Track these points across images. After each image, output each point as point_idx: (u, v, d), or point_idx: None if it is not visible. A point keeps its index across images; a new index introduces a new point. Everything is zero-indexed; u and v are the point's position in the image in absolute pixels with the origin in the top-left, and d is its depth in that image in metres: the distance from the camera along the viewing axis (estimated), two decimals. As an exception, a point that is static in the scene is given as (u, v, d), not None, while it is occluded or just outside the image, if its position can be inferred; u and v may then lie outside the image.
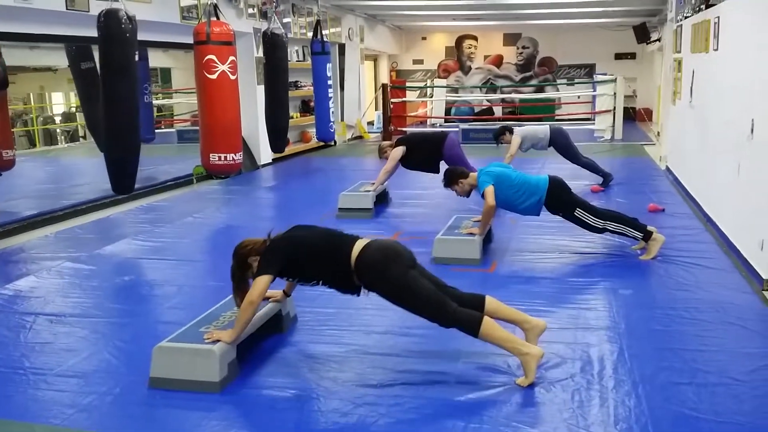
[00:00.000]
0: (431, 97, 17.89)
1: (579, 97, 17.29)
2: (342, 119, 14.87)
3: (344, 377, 3.25)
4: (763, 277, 4.51)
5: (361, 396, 3.05)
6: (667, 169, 9.52)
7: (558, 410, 2.89)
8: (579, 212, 5.17)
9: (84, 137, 16.10)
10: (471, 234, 5.24)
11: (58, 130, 17.21)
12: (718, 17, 6.25)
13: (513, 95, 18.87)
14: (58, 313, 4.25)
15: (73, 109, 17.66)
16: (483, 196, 5.19)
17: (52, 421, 2.93)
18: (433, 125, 17.08)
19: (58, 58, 12.33)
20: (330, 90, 10.87)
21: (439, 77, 19.98)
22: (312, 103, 12.16)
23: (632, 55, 18.67)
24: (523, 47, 19.76)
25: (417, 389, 3.11)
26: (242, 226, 6.98)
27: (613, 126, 13.80)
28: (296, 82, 13.11)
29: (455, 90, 19.31)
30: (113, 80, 6.07)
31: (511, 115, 17.72)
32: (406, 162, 7.18)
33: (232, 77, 7.22)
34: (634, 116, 17.31)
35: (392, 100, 15.17)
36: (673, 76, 9.45)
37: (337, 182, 8.63)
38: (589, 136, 13.71)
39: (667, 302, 4.21)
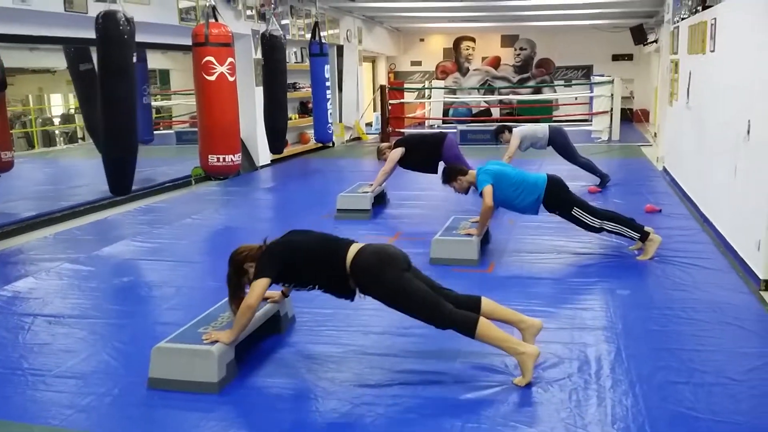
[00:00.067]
0: (429, 98, 17.91)
1: (576, 98, 17.31)
2: (340, 121, 14.88)
3: (342, 377, 3.26)
4: (760, 277, 4.53)
5: (359, 396, 3.06)
6: (664, 170, 9.54)
7: (555, 410, 2.90)
8: (576, 211, 5.18)
9: (83, 138, 16.09)
10: (469, 235, 5.25)
11: (56, 132, 17.20)
12: (715, 19, 6.27)
13: (511, 96, 18.89)
14: (57, 315, 4.26)
15: (72, 111, 17.65)
16: (481, 195, 5.21)
17: (51, 421, 2.93)
18: (431, 126, 17.10)
19: (57, 60, 12.33)
20: (328, 91, 10.88)
21: (437, 78, 20.00)
22: (310, 105, 12.18)
23: (629, 57, 18.70)
24: (521, 49, 19.79)
25: (415, 389, 3.12)
26: (241, 227, 6.99)
27: (611, 127, 13.82)
28: (294, 83, 13.12)
29: (453, 91, 19.33)
30: (111, 82, 6.08)
31: (508, 117, 17.74)
32: (404, 163, 7.19)
33: (231, 79, 7.23)
34: (632, 117, 17.33)
35: (390, 101, 15.18)
36: (670, 77, 9.48)
37: (336, 183, 8.64)
38: (587, 137, 13.72)
39: (664, 302, 4.22)
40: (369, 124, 16.94)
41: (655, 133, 13.35)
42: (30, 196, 8.90)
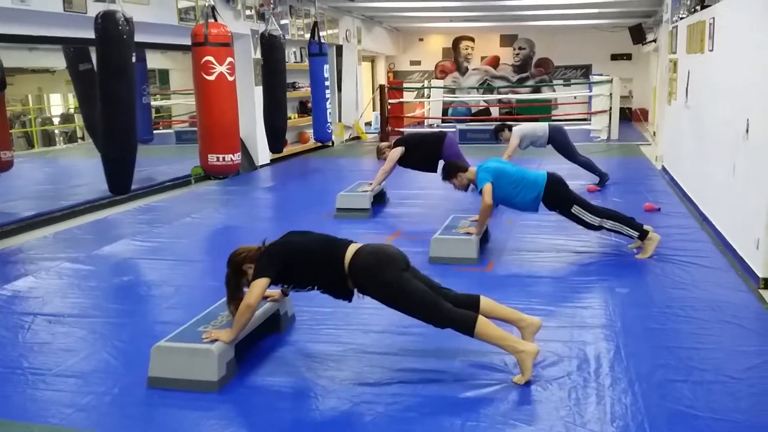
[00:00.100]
0: (428, 97, 17.92)
1: (575, 97, 17.32)
2: (340, 120, 14.89)
3: (342, 376, 3.26)
4: (759, 275, 4.53)
5: (358, 394, 3.06)
6: (663, 168, 9.55)
7: (555, 408, 2.91)
8: (576, 209, 5.18)
9: (82, 138, 16.09)
10: (468, 234, 5.25)
11: (56, 131, 17.19)
12: (714, 18, 6.28)
13: (510, 96, 18.90)
14: (57, 314, 4.26)
15: (72, 111, 17.64)
16: (480, 193, 5.21)
17: (51, 420, 2.93)
18: (430, 126, 17.10)
19: (56, 60, 12.33)
20: (327, 91, 10.89)
21: (437, 78, 20.01)
22: (310, 104, 12.18)
23: (628, 56, 18.71)
24: (520, 48, 19.80)
25: (414, 387, 3.13)
26: (240, 226, 6.99)
27: (609, 126, 13.83)
28: (294, 83, 13.13)
29: (452, 91, 19.33)
30: (110, 81, 6.08)
31: (508, 116, 17.74)
32: (404, 162, 7.20)
33: (230, 78, 7.23)
34: (630, 116, 17.35)
35: (390, 100, 15.19)
36: (668, 76, 9.48)
37: (335, 182, 8.65)
38: (586, 136, 13.74)
39: (663, 301, 4.23)
40: (368, 124, 16.94)
41: (654, 132, 13.36)
42: (30, 196, 8.90)
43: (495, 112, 19.19)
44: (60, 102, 18.59)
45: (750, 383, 3.11)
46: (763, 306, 4.13)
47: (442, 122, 17.43)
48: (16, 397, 3.16)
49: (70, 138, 16.94)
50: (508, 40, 19.78)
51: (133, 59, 6.22)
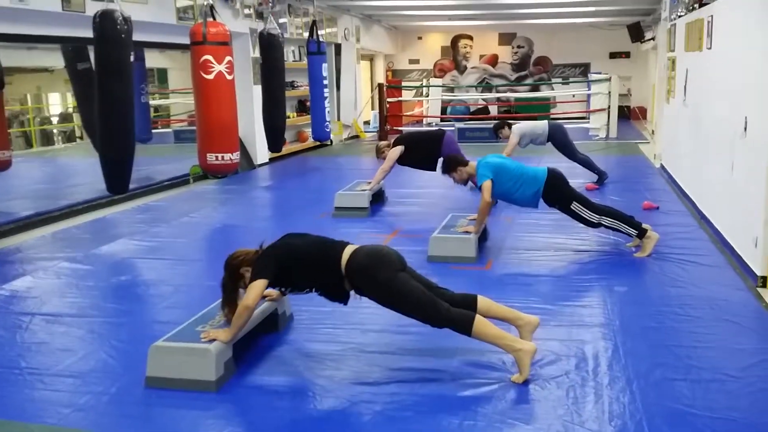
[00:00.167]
0: (427, 96, 17.91)
1: (574, 96, 17.32)
2: (338, 119, 14.88)
3: (340, 375, 3.26)
4: (757, 274, 4.54)
5: (357, 394, 3.06)
6: (662, 167, 9.55)
7: (553, 407, 2.91)
8: (575, 206, 5.18)
9: (81, 137, 16.07)
10: (466, 232, 5.25)
11: (54, 131, 17.18)
12: (712, 16, 6.28)
13: (508, 94, 18.89)
14: (55, 313, 4.26)
15: (70, 110, 17.62)
16: (480, 189, 5.21)
17: (48, 420, 2.93)
18: (429, 124, 17.10)
19: (55, 59, 12.32)
20: (326, 90, 10.88)
21: (435, 77, 20.01)
22: (308, 103, 12.17)
23: (627, 54, 18.72)
24: (518, 47, 19.79)
25: (412, 387, 3.13)
26: (239, 225, 6.99)
27: (608, 124, 13.83)
28: (293, 82, 13.12)
29: (451, 89, 19.33)
30: (109, 81, 6.07)
31: (506, 114, 17.74)
32: (404, 161, 7.19)
33: (229, 77, 7.22)
34: (629, 115, 17.35)
35: (388, 99, 15.18)
36: (667, 74, 9.48)
37: (334, 181, 8.65)
38: (584, 134, 13.74)
39: (662, 299, 4.23)
40: (367, 123, 16.94)
41: (653, 131, 13.36)
42: (28, 195, 8.89)
43: (494, 110, 19.19)
44: (59, 101, 18.57)
45: (748, 382, 3.11)
46: (761, 304, 4.13)
47: (441, 121, 17.43)
48: (14, 397, 3.16)
49: (69, 137, 16.92)
50: (506, 38, 19.77)
51: (132, 58, 6.21)
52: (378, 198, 7.40)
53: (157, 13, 8.16)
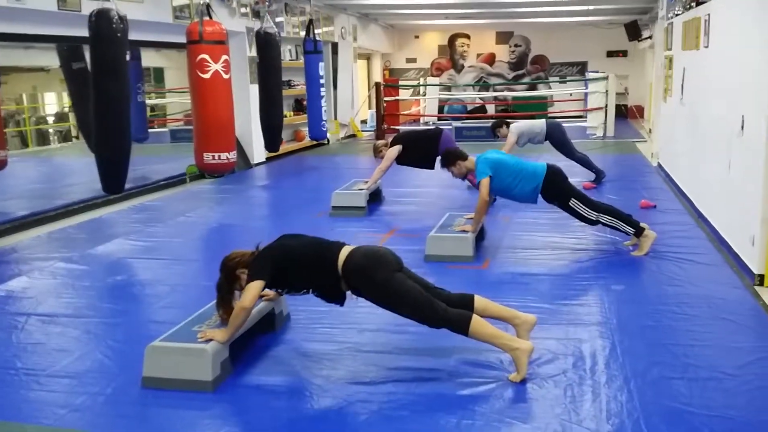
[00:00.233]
0: (424, 95, 17.90)
1: (571, 94, 17.34)
2: (335, 118, 14.87)
3: (337, 375, 3.25)
4: (755, 272, 4.54)
5: (353, 393, 3.05)
6: (659, 165, 9.56)
7: (550, 405, 2.90)
8: (574, 202, 5.17)
9: (77, 137, 16.01)
10: (464, 231, 5.25)
11: (50, 131, 17.13)
12: (709, 15, 6.28)
13: (506, 93, 18.90)
14: (51, 314, 4.24)
15: (66, 110, 17.58)
16: (478, 185, 5.21)
17: (44, 421, 2.92)
18: (426, 123, 17.10)
19: (51, 59, 12.28)
20: (322, 89, 10.86)
21: (432, 75, 20.00)
22: (305, 102, 12.15)
23: (624, 53, 18.74)
24: (516, 45, 19.80)
25: (409, 386, 3.12)
26: (235, 225, 6.98)
27: (605, 123, 13.84)
28: (289, 81, 13.10)
29: (448, 88, 19.33)
30: (104, 80, 6.05)
31: (503, 113, 17.74)
32: (402, 160, 7.18)
33: (225, 76, 7.21)
34: (626, 113, 17.37)
35: (385, 98, 15.16)
36: (664, 73, 9.49)
37: (331, 181, 8.63)
38: (582, 133, 13.74)
39: (659, 298, 4.23)
40: (364, 122, 16.92)
41: (650, 129, 13.37)
42: (24, 195, 8.87)
43: (491, 109, 19.19)
44: (55, 101, 18.53)
45: (745, 380, 3.11)
46: (758, 302, 4.13)
47: (438, 120, 17.43)
48: (10, 398, 3.15)
49: (65, 137, 16.87)
50: (503, 37, 19.78)
51: (128, 57, 6.19)
52: (375, 197, 7.39)
53: (153, 12, 8.14)
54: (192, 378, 3.12)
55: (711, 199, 6.07)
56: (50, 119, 17.85)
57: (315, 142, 13.07)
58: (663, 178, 8.66)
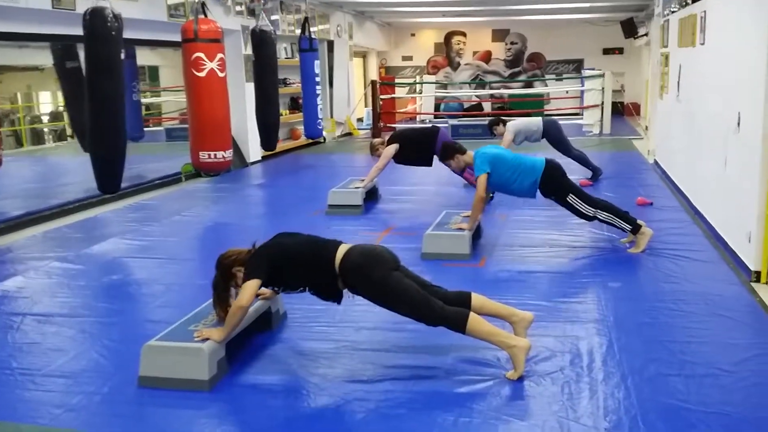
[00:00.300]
0: (420, 93, 17.89)
1: (567, 92, 17.33)
2: (331, 116, 14.85)
3: (334, 373, 3.25)
4: (751, 268, 4.54)
5: (350, 392, 3.05)
6: (655, 162, 9.57)
7: (548, 403, 2.90)
8: (571, 198, 5.17)
9: (71, 136, 15.98)
10: (460, 229, 5.24)
11: (45, 130, 17.08)
12: (705, 11, 6.28)
13: (502, 91, 18.89)
14: (46, 313, 4.22)
15: (61, 109, 17.52)
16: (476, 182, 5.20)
17: (40, 421, 2.91)
18: (422, 121, 17.09)
19: (45, 58, 12.24)
20: (318, 87, 10.85)
21: (428, 73, 19.98)
22: (301, 101, 12.14)
23: (620, 50, 18.75)
24: (512, 43, 19.80)
25: (406, 384, 3.11)
26: (231, 224, 6.96)
27: (602, 120, 13.86)
28: (285, 79, 13.07)
29: (444, 86, 19.32)
30: (99, 79, 6.03)
31: (500, 111, 17.75)
32: (398, 158, 7.17)
33: (221, 75, 7.19)
34: (622, 111, 17.38)
35: (381, 96, 15.16)
36: (660, 70, 9.50)
37: (327, 179, 8.62)
38: (578, 130, 13.75)
39: (656, 295, 4.23)
40: (360, 120, 16.91)
41: (646, 126, 13.38)
42: (19, 195, 8.83)
43: (487, 107, 19.19)
44: (49, 100, 18.47)
45: (741, 376, 3.11)
46: (754, 299, 4.14)
47: (435, 117, 17.42)
48: (5, 397, 3.13)
49: (60, 136, 16.83)
50: (500, 34, 19.77)
51: (122, 56, 6.17)
52: (372, 195, 7.38)
53: (148, 11, 8.11)
54: (188, 377, 3.11)
55: (707, 195, 6.07)
56: (45, 118, 17.80)
57: (311, 141, 13.05)
58: (659, 175, 8.66)
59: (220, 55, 7.14)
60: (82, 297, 4.62)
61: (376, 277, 3.16)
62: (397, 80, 18.42)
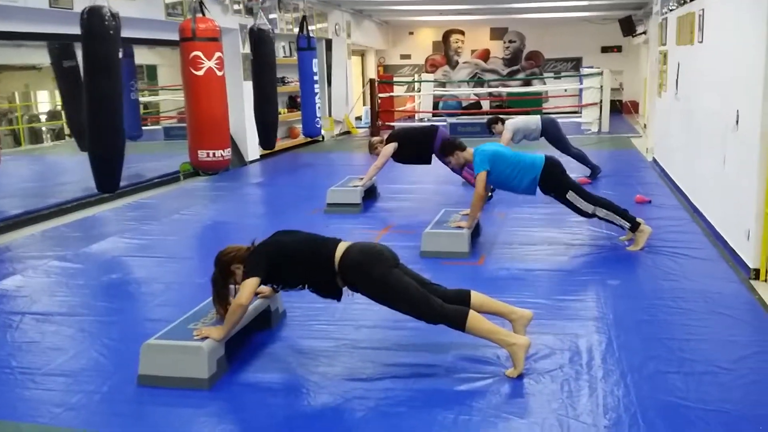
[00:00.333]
0: (419, 91, 17.88)
1: (566, 90, 17.34)
2: (330, 114, 14.84)
3: (334, 372, 3.25)
4: (750, 266, 4.55)
5: (350, 390, 3.05)
6: (654, 160, 9.57)
7: (547, 401, 2.90)
8: (571, 195, 5.17)
9: (70, 135, 15.96)
10: (459, 227, 5.24)
11: (43, 129, 17.06)
12: (703, 9, 6.28)
13: (500, 89, 18.89)
14: (45, 312, 4.22)
15: (59, 108, 17.50)
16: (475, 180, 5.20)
17: (40, 420, 2.91)
18: (421, 120, 17.09)
19: (43, 57, 12.21)
20: (316, 85, 10.85)
21: (427, 72, 19.97)
22: (299, 99, 12.14)
23: (618, 48, 18.75)
24: (510, 41, 19.79)
25: (406, 382, 3.11)
26: (230, 222, 6.96)
27: (600, 119, 13.86)
28: (283, 78, 13.06)
29: (443, 84, 19.32)
30: (97, 78, 6.02)
31: (498, 109, 17.75)
32: (398, 157, 7.17)
33: (219, 73, 7.19)
34: (621, 109, 17.38)
35: (380, 95, 15.15)
36: (658, 68, 9.50)
37: (326, 178, 8.61)
38: (577, 128, 13.75)
39: (655, 292, 4.24)
40: (359, 118, 16.91)
41: (645, 124, 13.39)
42: (17, 194, 8.82)
43: (486, 105, 19.19)
44: (47, 99, 18.45)
45: (740, 374, 3.12)
46: (753, 296, 4.14)
47: (433, 116, 17.42)
48: (5, 397, 3.13)
49: (58, 135, 16.81)
50: (498, 33, 19.76)
51: (120, 55, 6.16)
52: (370, 194, 7.38)
53: (146, 9, 8.10)
54: (188, 376, 3.11)
55: (706, 193, 6.08)
56: (43, 117, 17.78)
57: (309, 139, 13.05)
58: (658, 173, 8.67)
59: (218, 54, 7.14)
60: (81, 296, 4.62)
61: (376, 275, 3.17)
62: (395, 79, 18.41)
